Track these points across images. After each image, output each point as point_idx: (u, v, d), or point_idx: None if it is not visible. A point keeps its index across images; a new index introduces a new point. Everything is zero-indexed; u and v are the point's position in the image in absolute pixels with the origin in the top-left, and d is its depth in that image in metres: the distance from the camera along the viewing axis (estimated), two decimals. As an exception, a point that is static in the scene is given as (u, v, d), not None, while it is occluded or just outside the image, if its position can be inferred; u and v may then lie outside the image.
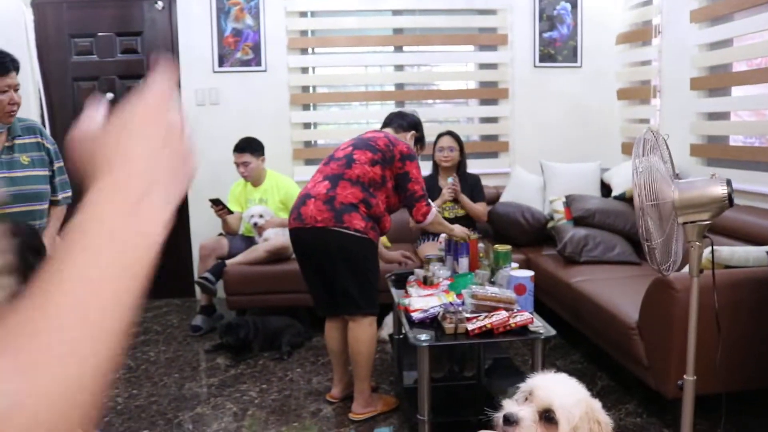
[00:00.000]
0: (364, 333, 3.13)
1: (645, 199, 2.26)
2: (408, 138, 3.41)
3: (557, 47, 5.39)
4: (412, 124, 3.51)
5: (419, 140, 3.51)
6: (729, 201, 2.07)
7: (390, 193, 3.20)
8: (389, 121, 3.49)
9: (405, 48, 5.43)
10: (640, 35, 5.16)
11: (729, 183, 2.08)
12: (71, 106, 5.09)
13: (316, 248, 3.08)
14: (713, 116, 4.38)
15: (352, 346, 3.16)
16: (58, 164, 3.11)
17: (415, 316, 2.82)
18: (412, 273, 3.34)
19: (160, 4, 5.06)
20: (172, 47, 5.11)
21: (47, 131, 3.15)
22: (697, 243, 2.21)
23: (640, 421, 3.11)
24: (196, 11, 5.08)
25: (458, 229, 3.46)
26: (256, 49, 5.14)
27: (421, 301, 2.93)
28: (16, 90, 2.75)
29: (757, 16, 3.81)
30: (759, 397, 3.10)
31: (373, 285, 3.15)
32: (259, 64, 5.12)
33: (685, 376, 2.30)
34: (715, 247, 2.58)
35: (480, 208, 4.46)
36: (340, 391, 3.36)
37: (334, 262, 3.06)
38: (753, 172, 3.91)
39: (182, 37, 5.10)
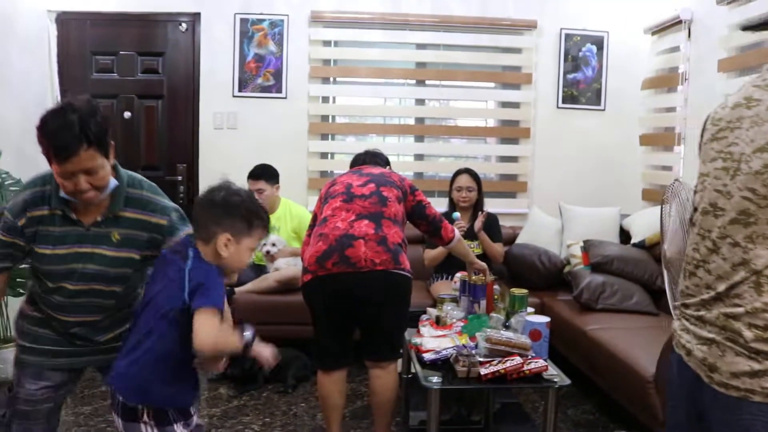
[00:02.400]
0: (392, 379, 2.98)
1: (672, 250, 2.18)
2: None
3: (581, 89, 5.34)
4: (385, 159, 3.50)
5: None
6: None
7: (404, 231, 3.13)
8: (363, 161, 3.41)
9: (427, 82, 5.40)
10: (665, 81, 5.10)
11: None
12: (88, 123, 5.06)
13: (367, 293, 2.86)
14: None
15: (382, 395, 2.97)
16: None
17: (427, 357, 2.74)
18: (424, 312, 3.25)
19: (183, 26, 5.06)
20: (193, 69, 5.09)
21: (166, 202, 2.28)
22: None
23: (654, 480, 2.98)
24: (220, 35, 5.07)
25: (479, 262, 3.46)
26: (278, 75, 5.12)
27: (433, 341, 2.86)
28: (88, 172, 1.92)
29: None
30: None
31: (407, 327, 3.09)
32: (279, 90, 5.09)
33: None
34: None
35: (498, 248, 4.38)
36: None
37: (383, 305, 2.90)
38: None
39: (204, 59, 5.09)
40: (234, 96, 5.10)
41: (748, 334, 1.42)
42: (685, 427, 1.64)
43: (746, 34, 4.10)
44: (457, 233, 3.33)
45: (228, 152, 4.99)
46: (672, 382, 1.68)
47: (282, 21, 5.10)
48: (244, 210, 1.94)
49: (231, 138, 5.08)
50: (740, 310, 1.44)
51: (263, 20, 5.09)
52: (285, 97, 5.11)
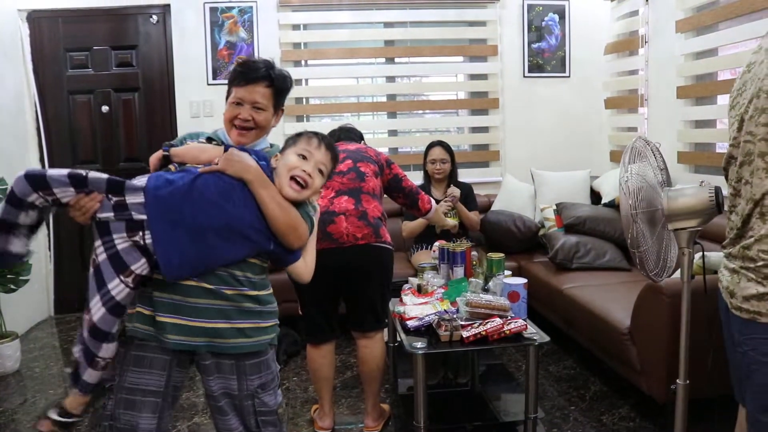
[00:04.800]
0: (379, 348, 3.10)
1: (635, 207, 2.33)
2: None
3: (546, 57, 5.48)
4: (359, 134, 3.57)
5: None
6: (717, 208, 2.13)
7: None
8: (339, 137, 3.47)
9: (396, 60, 5.50)
10: (627, 45, 5.25)
11: (718, 190, 2.14)
12: (67, 119, 5.13)
13: (351, 267, 2.96)
14: (699, 124, 4.47)
15: (369, 364, 3.09)
16: None
17: (411, 324, 2.84)
18: (406, 282, 3.38)
19: (154, 18, 5.12)
20: (167, 60, 5.16)
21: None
22: (688, 249, 2.27)
23: (632, 426, 3.16)
24: (190, 25, 5.14)
25: (450, 221, 3.71)
26: (250, 61, 5.19)
27: (416, 309, 2.96)
28: (256, 107, 2.04)
29: (741, 26, 3.90)
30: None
31: (390, 297, 3.19)
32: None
33: (677, 381, 2.35)
34: (705, 253, 2.64)
35: (474, 217, 4.51)
36: (332, 421, 3.21)
37: (368, 278, 3.01)
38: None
39: (177, 50, 5.16)
40: (209, 84, 5.18)
41: (758, 259, 1.66)
42: (731, 354, 1.89)
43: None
44: (434, 204, 3.42)
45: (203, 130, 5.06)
46: (720, 317, 1.95)
47: (251, 7, 5.17)
48: None
49: (208, 125, 5.12)
50: (751, 240, 1.69)
51: (232, 8, 5.16)
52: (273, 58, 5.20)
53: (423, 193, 3.39)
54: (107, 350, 1.83)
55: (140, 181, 1.80)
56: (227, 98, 2.08)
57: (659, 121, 4.81)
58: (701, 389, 2.53)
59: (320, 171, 1.95)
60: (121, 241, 1.76)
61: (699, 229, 2.24)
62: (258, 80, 2.02)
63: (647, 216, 2.32)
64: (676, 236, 2.28)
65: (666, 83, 4.64)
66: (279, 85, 2.07)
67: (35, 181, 1.73)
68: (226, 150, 1.91)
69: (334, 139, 3.46)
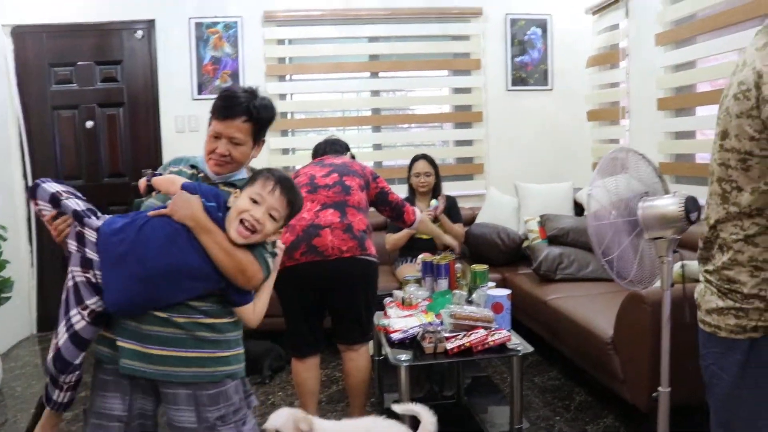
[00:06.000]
0: (365, 361, 3.11)
1: (615, 216, 2.36)
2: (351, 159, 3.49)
3: (529, 71, 5.54)
4: (345, 146, 3.58)
5: (353, 158, 3.58)
6: (687, 219, 2.16)
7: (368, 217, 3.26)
8: (324, 150, 3.49)
9: (381, 74, 5.54)
10: (608, 58, 5.32)
11: (688, 201, 2.17)
12: (50, 135, 5.13)
13: (336, 280, 2.97)
14: (680, 135, 4.52)
15: (355, 377, 3.10)
16: None
17: (395, 336, 2.86)
18: (390, 294, 3.39)
19: (139, 33, 5.13)
20: (151, 75, 5.18)
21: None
22: (667, 258, 2.30)
23: (617, 435, 3.19)
24: (176, 40, 5.16)
25: (446, 237, 3.66)
26: (235, 76, 5.23)
27: (400, 321, 2.98)
28: (234, 142, 2.03)
29: (719, 39, 3.96)
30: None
31: (375, 310, 3.21)
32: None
33: (659, 388, 2.37)
34: (685, 261, 2.68)
35: (458, 230, 4.53)
36: None
37: (353, 291, 3.01)
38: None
39: (162, 65, 5.18)
40: (194, 99, 5.20)
41: (719, 280, 1.66)
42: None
43: (680, 9, 4.32)
44: (419, 214, 3.44)
45: (191, 154, 5.06)
46: None
47: (236, 23, 5.20)
48: None
49: (193, 140, 5.16)
50: (713, 267, 1.70)
51: (217, 23, 5.19)
52: (259, 86, 5.21)
53: (408, 204, 3.41)
54: (71, 376, 1.85)
55: (98, 221, 1.83)
56: (209, 125, 2.08)
57: (641, 132, 4.86)
58: (684, 397, 2.54)
59: (272, 216, 1.89)
60: (78, 274, 1.80)
61: (677, 238, 2.27)
62: (236, 115, 2.01)
63: (627, 226, 2.36)
64: (655, 245, 2.32)
65: (647, 95, 4.70)
66: (259, 118, 2.05)
67: (31, 189, 1.86)
68: (188, 186, 1.91)
69: (320, 152, 3.49)
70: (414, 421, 2.35)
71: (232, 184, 2.05)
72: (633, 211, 2.31)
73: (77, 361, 1.82)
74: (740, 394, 1.64)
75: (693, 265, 3.02)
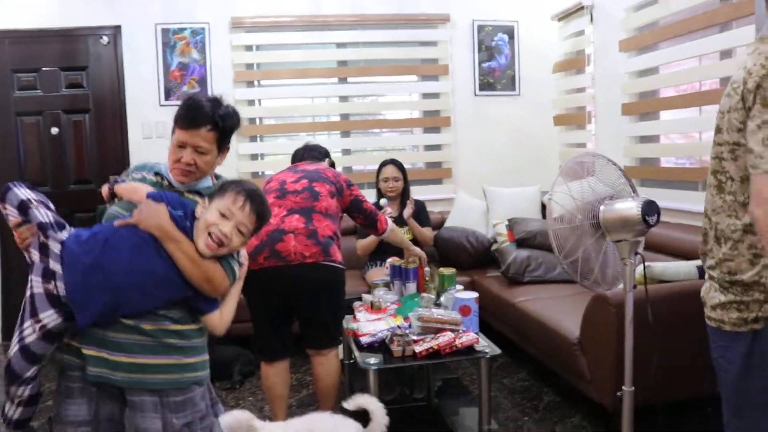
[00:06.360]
0: (334, 365, 3.11)
1: (576, 220, 2.40)
2: (327, 166, 3.50)
3: (496, 76, 5.59)
4: (324, 152, 3.60)
5: (332, 165, 3.61)
6: (645, 222, 2.21)
7: (340, 224, 3.25)
8: (302, 156, 3.51)
9: (349, 79, 5.55)
10: (574, 64, 5.39)
11: (646, 204, 2.22)
12: (14, 142, 5.06)
13: (299, 286, 2.97)
14: (644, 139, 4.60)
15: (323, 381, 3.11)
16: None
17: (364, 340, 2.88)
18: (359, 299, 3.41)
19: (105, 39, 5.09)
20: (118, 82, 5.13)
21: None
22: (629, 260, 2.35)
23: (584, 434, 3.23)
24: (142, 46, 5.13)
25: (415, 248, 3.62)
26: (203, 82, 5.21)
27: (369, 325, 3.00)
28: (199, 151, 2.01)
29: (681, 45, 4.05)
30: (697, 405, 3.24)
31: (344, 315, 3.21)
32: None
33: (623, 388, 2.42)
34: (647, 263, 2.73)
35: (427, 233, 4.57)
36: None
37: (316, 296, 3.01)
38: (683, 192, 4.11)
39: (128, 71, 5.14)
40: (161, 105, 5.16)
41: (721, 275, 1.75)
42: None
43: (642, 16, 4.40)
44: (390, 223, 3.46)
45: (159, 161, 5.02)
46: None
47: (203, 29, 5.19)
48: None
49: (161, 146, 5.05)
50: (713, 261, 1.79)
51: (184, 29, 5.17)
52: (222, 94, 5.17)
53: (381, 213, 3.43)
54: (22, 389, 1.82)
55: (64, 233, 1.82)
56: (172, 133, 2.06)
57: (606, 136, 4.93)
58: (647, 395, 2.59)
59: (240, 231, 1.90)
60: (38, 285, 1.77)
61: (638, 240, 2.32)
62: (201, 125, 1.99)
63: (590, 229, 2.40)
64: (618, 247, 2.37)
65: (612, 100, 4.77)
66: (224, 127, 2.04)
67: (2, 192, 1.82)
68: (153, 195, 1.90)
69: (298, 157, 3.50)
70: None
71: (198, 192, 2.05)
72: (596, 215, 2.36)
73: (28, 374, 1.79)
74: (747, 382, 1.72)
75: (656, 266, 3.10)
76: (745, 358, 1.70)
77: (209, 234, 1.84)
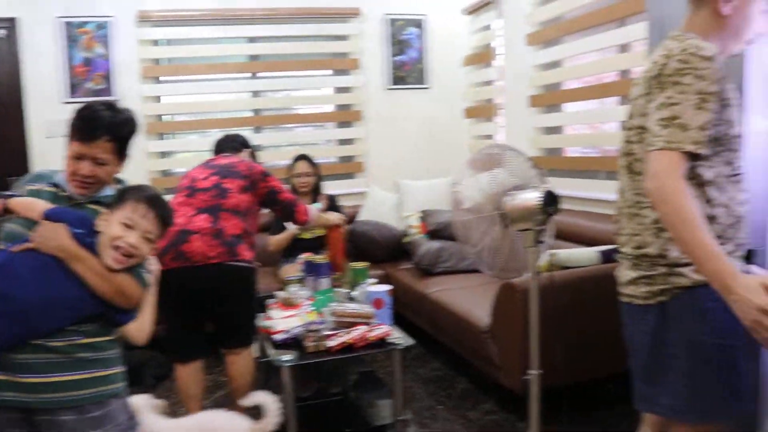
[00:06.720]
0: (248, 364, 3.10)
1: (486, 210, 2.46)
2: (247, 156, 3.47)
3: (407, 70, 5.65)
4: (243, 142, 3.56)
5: (253, 155, 3.59)
6: (544, 211, 2.30)
7: (255, 218, 3.22)
8: (221, 147, 3.47)
9: (261, 74, 5.50)
10: (482, 57, 5.50)
11: (546, 194, 2.30)
12: None
13: (206, 287, 2.95)
14: (550, 130, 4.74)
15: (238, 381, 3.09)
16: None
17: (277, 337, 2.89)
18: (272, 296, 3.39)
19: (0, 33, 4.88)
20: (17, 77, 4.92)
21: None
22: (534, 248, 2.43)
23: (497, 419, 3.32)
24: (42, 40, 4.93)
25: (333, 216, 3.72)
26: (108, 78, 5.05)
27: (282, 322, 3.00)
28: (98, 162, 1.94)
29: (583, 39, 4.19)
30: (601, 386, 3.38)
31: (256, 313, 3.19)
32: (111, 94, 5.02)
33: (530, 372, 2.50)
34: (552, 251, 2.82)
35: (341, 228, 4.59)
36: None
37: (225, 297, 2.99)
38: (587, 180, 4.26)
39: (27, 66, 4.93)
40: (65, 102, 4.99)
41: (630, 251, 1.87)
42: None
43: (547, 11, 4.53)
44: (313, 213, 3.44)
45: (50, 169, 4.84)
46: None
47: (107, 22, 5.03)
48: None
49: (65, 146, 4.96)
50: (625, 237, 1.93)
51: (88, 22, 5.00)
52: (118, 100, 5.05)
53: (301, 204, 3.40)
54: None
55: None
56: (68, 143, 1.96)
57: (514, 128, 5.06)
58: (553, 378, 2.68)
59: (147, 239, 1.86)
60: None
61: (542, 229, 2.40)
62: (99, 136, 1.90)
63: (498, 218, 2.46)
64: (523, 237, 2.44)
65: (519, 93, 4.90)
66: (123, 136, 1.96)
67: None
68: (50, 214, 1.83)
69: (216, 149, 3.45)
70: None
71: (99, 202, 1.97)
72: (500, 206, 2.43)
73: None
74: (655, 352, 1.84)
75: (560, 253, 3.21)
76: (655, 331, 1.82)
77: (116, 247, 1.79)
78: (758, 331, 1.56)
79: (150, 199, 1.88)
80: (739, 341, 1.74)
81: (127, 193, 1.88)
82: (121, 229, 1.81)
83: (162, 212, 1.89)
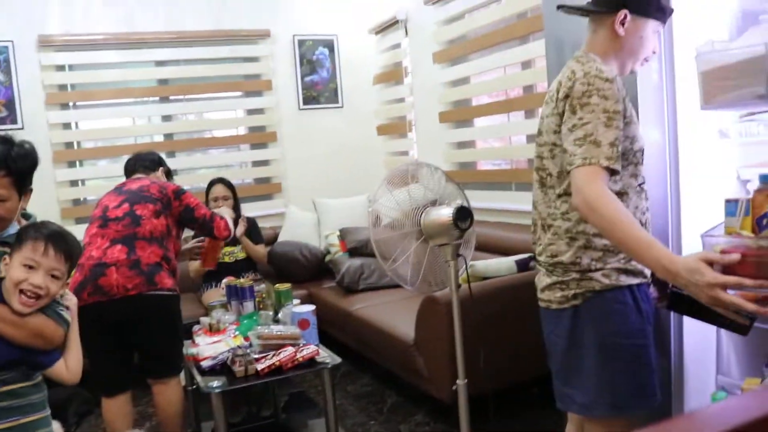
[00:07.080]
0: (177, 393, 3.04)
1: (405, 227, 2.53)
2: (161, 176, 3.42)
3: (319, 90, 5.70)
4: (156, 160, 3.49)
5: (168, 173, 3.52)
6: (456, 227, 2.39)
7: (175, 241, 3.16)
8: (134, 168, 3.38)
9: (171, 98, 5.43)
10: (392, 75, 5.62)
11: (458, 210, 2.39)
12: None
13: (127, 319, 2.88)
14: (461, 145, 4.88)
15: (166, 410, 3.02)
16: None
17: (205, 364, 2.85)
18: (197, 322, 3.35)
19: None
20: None
21: None
22: (452, 261, 2.51)
23: (428, 429, 3.38)
24: (-64, 70, 4.73)
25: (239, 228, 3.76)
26: (11, 105, 4.87)
27: (209, 348, 2.95)
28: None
29: (488, 56, 4.34)
30: (527, 389, 3.50)
31: (181, 341, 3.13)
32: (15, 122, 4.85)
33: (458, 381, 2.57)
34: (470, 262, 2.91)
35: (261, 250, 4.58)
36: None
37: (148, 327, 2.92)
38: (499, 192, 4.41)
39: None
40: (-36, 133, 4.79)
41: (546, 260, 1.95)
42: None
43: (451, 30, 4.68)
44: (231, 226, 3.39)
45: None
46: None
47: (6, 47, 4.85)
48: None
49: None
50: (540, 247, 2.00)
51: (-16, 48, 4.82)
52: (22, 128, 4.85)
53: (219, 219, 3.31)
54: None
55: None
56: None
57: (426, 144, 5.19)
58: (480, 386, 2.75)
59: (54, 276, 1.79)
60: None
61: (458, 242, 2.48)
62: None
63: (416, 234, 2.53)
64: (441, 251, 2.52)
65: (429, 109, 5.03)
66: (19, 169, 1.86)
67: None
68: None
69: (129, 171, 3.37)
70: None
71: (4, 243, 1.88)
72: (418, 222, 2.50)
73: None
74: (571, 353, 1.93)
75: (478, 264, 3.32)
76: (569, 333, 1.91)
77: (21, 291, 1.74)
78: (720, 307, 1.57)
79: (50, 236, 1.81)
80: (647, 340, 1.87)
81: (26, 233, 1.82)
82: (23, 271, 1.75)
83: (64, 247, 1.83)
